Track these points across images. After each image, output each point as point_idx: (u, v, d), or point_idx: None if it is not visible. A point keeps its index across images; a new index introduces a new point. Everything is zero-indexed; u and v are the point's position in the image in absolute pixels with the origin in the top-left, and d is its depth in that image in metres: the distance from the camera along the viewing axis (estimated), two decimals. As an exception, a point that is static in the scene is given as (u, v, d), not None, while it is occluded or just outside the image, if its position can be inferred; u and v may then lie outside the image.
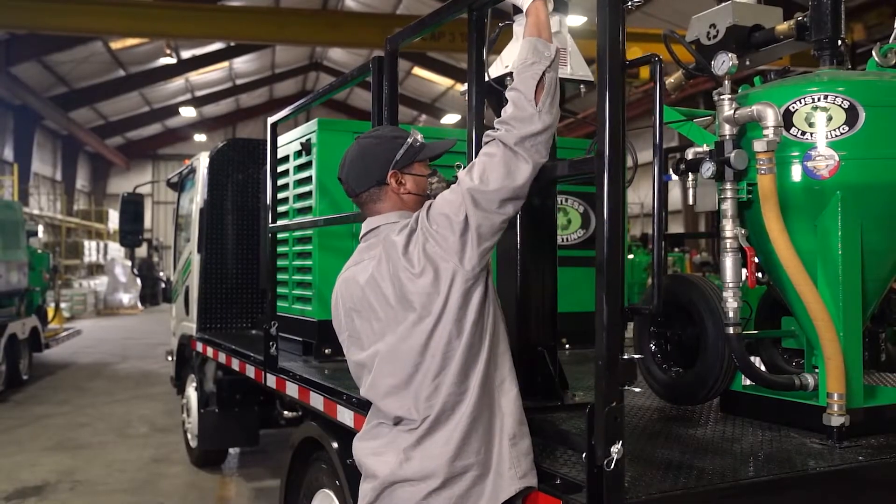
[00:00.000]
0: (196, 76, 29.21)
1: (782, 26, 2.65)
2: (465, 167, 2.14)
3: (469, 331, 2.07)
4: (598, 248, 1.86)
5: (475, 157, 2.16)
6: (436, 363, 2.08)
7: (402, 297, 2.11)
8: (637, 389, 1.86)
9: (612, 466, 1.69)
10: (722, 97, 2.54)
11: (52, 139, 30.47)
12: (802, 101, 2.48)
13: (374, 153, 2.30)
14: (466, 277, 2.05)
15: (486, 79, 2.91)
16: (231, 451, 7.02)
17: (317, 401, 3.34)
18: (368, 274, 2.18)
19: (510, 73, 2.86)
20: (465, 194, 2.03)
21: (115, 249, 28.24)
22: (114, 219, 29.39)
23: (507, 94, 2.09)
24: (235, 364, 4.86)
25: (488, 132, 2.11)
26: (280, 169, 4.52)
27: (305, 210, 4.37)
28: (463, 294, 2.06)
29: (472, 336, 2.08)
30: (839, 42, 2.58)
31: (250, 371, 4.47)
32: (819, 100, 2.46)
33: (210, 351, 5.67)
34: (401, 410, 2.12)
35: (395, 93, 2.93)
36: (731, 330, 2.54)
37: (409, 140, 2.29)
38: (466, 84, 3.05)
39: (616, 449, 1.68)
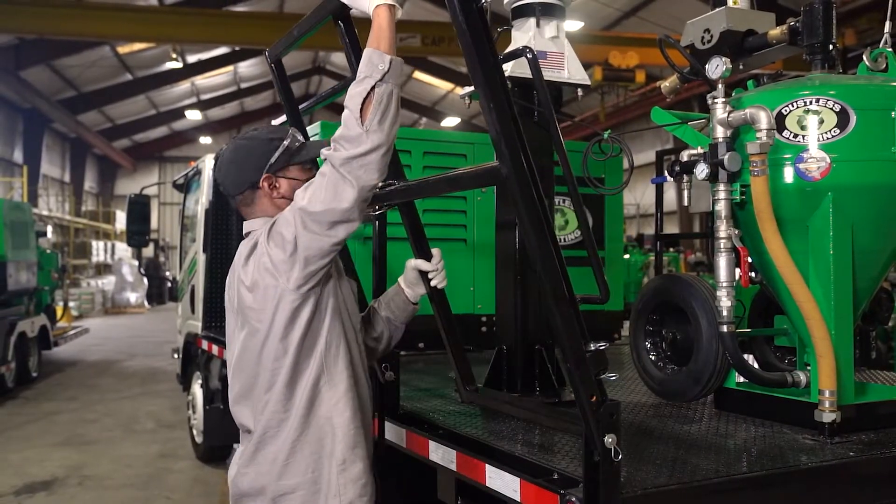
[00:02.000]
0: (201, 80, 29.20)
1: (775, 31, 2.65)
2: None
3: (295, 350, 2.01)
4: (529, 247, 1.80)
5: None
6: (266, 378, 2.05)
7: (241, 308, 2.09)
8: (613, 377, 1.82)
9: (605, 458, 1.69)
10: (716, 100, 2.54)
11: (60, 141, 30.46)
12: (795, 104, 2.48)
13: (248, 155, 2.18)
14: (293, 297, 1.98)
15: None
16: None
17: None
18: (229, 278, 2.17)
19: (509, 77, 2.87)
20: (296, 214, 1.95)
21: (123, 249, 28.25)
22: (121, 219, 29.41)
23: (343, 114, 1.92)
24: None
25: (323, 151, 1.97)
26: (284, 171, 4.51)
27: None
28: (290, 313, 1.99)
29: (297, 355, 2.02)
30: (830, 46, 2.58)
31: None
32: (811, 103, 2.46)
33: (215, 348, 5.66)
34: (244, 419, 2.14)
35: (291, 96, 2.90)
36: (724, 328, 2.54)
37: (286, 142, 2.17)
38: (466, 88, 3.06)
39: (609, 440, 1.68)
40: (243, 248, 2.12)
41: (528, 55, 2.20)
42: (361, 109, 1.87)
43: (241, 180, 2.17)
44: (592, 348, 1.76)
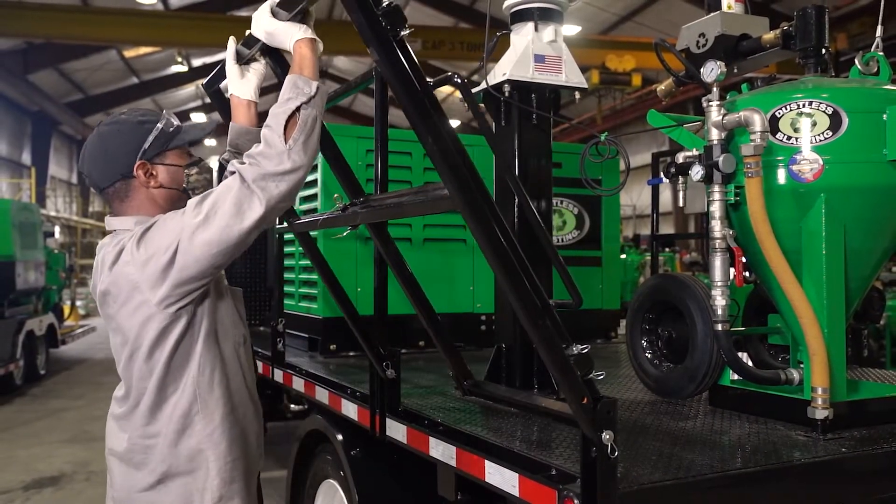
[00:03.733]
0: (206, 83, 29.20)
1: (769, 35, 2.65)
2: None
3: (160, 373, 1.85)
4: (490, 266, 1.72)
5: None
6: (133, 396, 1.91)
7: (106, 315, 1.92)
8: (600, 375, 1.80)
9: (602, 454, 1.69)
10: (711, 103, 2.54)
11: (68, 144, 30.47)
12: (788, 107, 2.48)
13: (117, 142, 1.94)
14: (161, 316, 1.80)
15: (485, 85, 2.92)
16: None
17: (322, 395, 3.34)
18: (93, 277, 1.97)
19: (507, 81, 2.87)
20: (185, 227, 1.75)
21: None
22: (127, 220, 29.31)
23: (262, 131, 1.78)
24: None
25: (233, 163, 1.80)
26: (287, 172, 4.51)
27: (311, 211, 4.37)
28: (157, 333, 1.82)
29: (162, 379, 1.86)
30: (823, 50, 2.58)
31: (258, 366, 4.46)
32: (804, 106, 2.46)
33: (220, 347, 5.66)
34: (115, 423, 2.00)
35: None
36: (719, 327, 2.54)
37: (160, 124, 1.96)
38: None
39: (606, 437, 1.68)
40: (108, 250, 1.88)
41: (456, 80, 2.14)
42: (285, 129, 1.74)
43: (111, 170, 1.94)
44: (575, 351, 1.72)
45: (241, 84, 2.05)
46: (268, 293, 6.14)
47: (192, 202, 1.80)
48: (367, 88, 3.11)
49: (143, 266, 1.78)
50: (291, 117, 1.75)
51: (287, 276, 4.61)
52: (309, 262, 4.42)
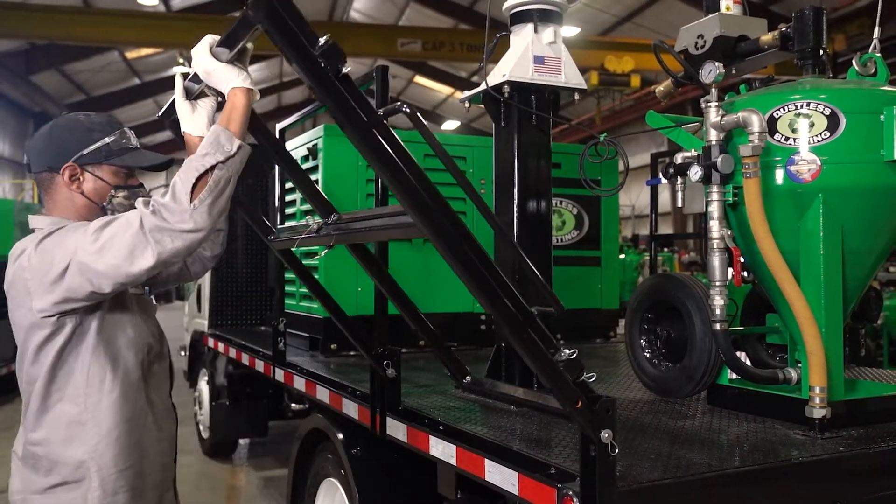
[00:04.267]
0: (208, 84, 29.22)
1: (767, 37, 2.65)
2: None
3: (44, 380, 1.84)
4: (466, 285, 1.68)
5: None
6: (24, 397, 1.92)
7: (9, 313, 1.91)
8: (592, 377, 1.79)
9: (601, 453, 1.69)
10: (709, 104, 2.54)
11: (70, 144, 30.48)
12: (786, 108, 2.48)
13: (62, 136, 1.94)
14: (42, 327, 1.80)
15: (485, 86, 2.92)
16: (241, 441, 7.01)
17: (323, 394, 3.34)
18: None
19: (507, 82, 2.87)
20: (80, 249, 1.73)
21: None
22: (129, 220, 29.33)
23: (173, 181, 1.73)
24: (245, 359, 4.86)
25: (139, 201, 1.75)
26: (288, 173, 4.51)
27: (312, 212, 4.37)
28: (40, 340, 1.82)
29: (46, 387, 1.85)
30: (821, 52, 2.58)
31: (259, 365, 4.47)
32: (802, 107, 2.46)
33: (221, 346, 5.67)
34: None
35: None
36: (717, 326, 2.54)
37: (109, 139, 1.95)
38: (465, 92, 3.05)
39: (605, 436, 1.68)
40: (18, 248, 1.89)
41: (405, 110, 2.08)
42: (195, 185, 1.68)
43: (43, 158, 1.94)
44: (564, 356, 1.71)
45: (192, 120, 1.94)
46: (269, 293, 6.14)
47: (95, 224, 1.77)
48: (367, 89, 3.11)
49: (35, 274, 1.78)
50: (205, 175, 1.69)
51: (288, 275, 4.61)
52: (310, 262, 4.43)
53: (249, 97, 1.79)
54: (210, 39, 1.82)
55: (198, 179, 1.68)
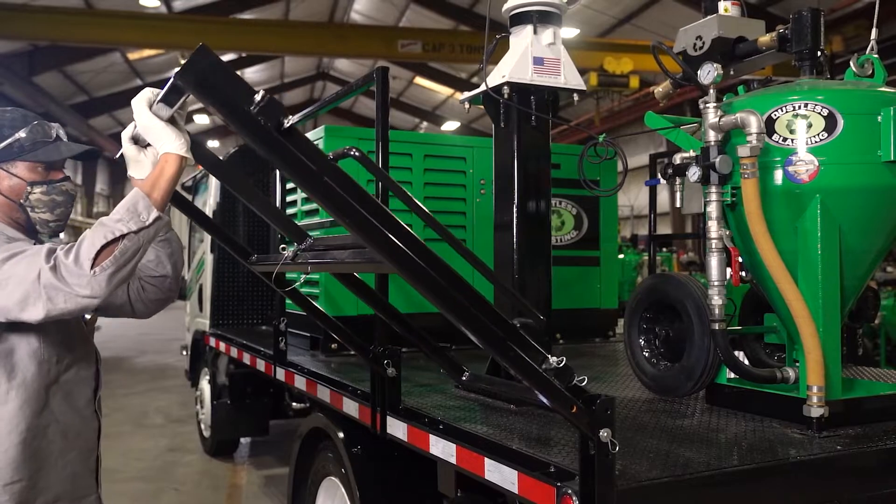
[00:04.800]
0: (209, 85, 29.21)
1: (765, 38, 2.65)
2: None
3: None
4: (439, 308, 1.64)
5: None
6: None
7: None
8: (582, 381, 1.78)
9: (601, 452, 1.69)
10: (707, 105, 2.54)
11: (72, 145, 30.48)
12: (784, 108, 2.48)
13: None
14: None
15: (485, 87, 2.92)
16: (242, 440, 7.01)
17: (324, 393, 3.34)
18: None
19: (507, 83, 2.87)
20: None
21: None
22: (131, 220, 29.33)
23: (83, 235, 1.67)
24: (247, 358, 4.86)
25: (46, 247, 1.69)
26: (289, 173, 4.51)
27: (312, 212, 4.37)
28: None
29: None
30: (818, 53, 2.58)
31: (261, 365, 4.47)
32: (799, 108, 2.46)
33: (223, 346, 5.67)
34: None
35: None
36: (716, 326, 2.54)
37: (22, 134, 1.88)
38: (465, 93, 3.05)
39: (604, 434, 1.68)
40: None
41: (354, 154, 2.05)
42: (101, 250, 1.63)
43: None
44: (553, 363, 1.70)
45: (137, 166, 1.85)
46: (270, 292, 6.14)
47: (2, 252, 1.71)
48: (367, 91, 3.12)
49: None
50: (114, 241, 1.64)
51: (290, 275, 4.61)
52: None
53: (181, 164, 1.73)
54: (149, 94, 1.75)
55: (105, 245, 1.63)
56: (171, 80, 1.61)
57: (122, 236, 1.65)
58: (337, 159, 1.94)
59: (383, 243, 1.58)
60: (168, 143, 1.73)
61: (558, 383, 1.69)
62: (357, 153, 2.04)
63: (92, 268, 1.62)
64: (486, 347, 1.67)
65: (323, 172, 1.57)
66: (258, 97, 1.49)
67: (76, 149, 1.95)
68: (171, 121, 1.74)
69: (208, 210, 6.60)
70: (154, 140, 1.75)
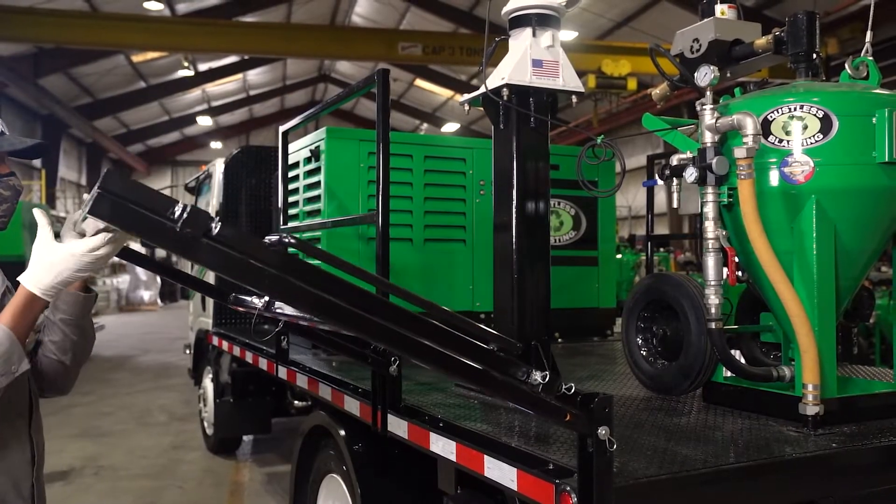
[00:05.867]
0: (212, 87, 29.20)
1: (761, 41, 2.65)
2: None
3: None
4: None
5: None
6: None
7: None
8: (570, 388, 1.76)
9: (599, 450, 1.69)
10: (704, 107, 2.54)
11: (77, 146, 30.46)
12: (780, 110, 2.48)
13: None
14: None
15: (484, 89, 2.92)
16: (245, 438, 7.01)
17: (325, 391, 3.34)
18: None
19: (506, 85, 2.87)
20: None
21: (137, 249, 28.20)
22: (135, 221, 29.32)
23: None
24: (249, 357, 4.86)
25: None
26: (291, 174, 4.52)
27: (314, 213, 4.36)
28: None
29: None
30: (814, 55, 2.58)
31: (263, 363, 4.46)
32: (795, 109, 2.46)
33: (225, 344, 5.67)
34: None
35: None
36: (712, 325, 2.54)
37: None
38: (465, 95, 3.05)
39: (602, 432, 1.68)
40: None
41: (289, 241, 1.98)
42: None
43: None
44: (538, 378, 1.68)
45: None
46: (272, 292, 6.13)
47: None
48: (368, 93, 3.12)
49: None
50: None
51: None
52: (313, 262, 4.43)
53: (35, 304, 1.60)
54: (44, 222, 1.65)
55: None
56: (85, 213, 1.51)
57: None
58: (284, 248, 1.82)
59: (344, 318, 1.57)
60: (32, 276, 1.60)
61: (546, 397, 1.68)
62: (293, 240, 1.96)
63: None
64: (468, 381, 1.65)
65: (268, 263, 1.52)
66: (178, 210, 1.40)
67: (18, 143, 1.82)
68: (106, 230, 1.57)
69: (211, 210, 6.60)
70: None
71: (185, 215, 1.41)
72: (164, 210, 1.41)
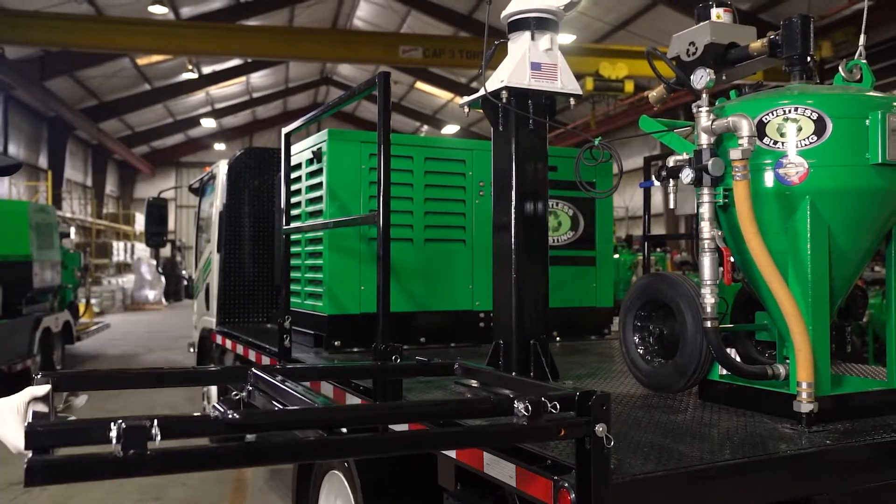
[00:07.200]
0: (216, 90, 29.21)
1: (756, 44, 2.65)
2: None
3: None
4: None
5: None
6: None
7: None
8: (555, 404, 1.75)
9: (596, 447, 1.69)
10: (700, 109, 2.54)
11: (83, 148, 30.47)
12: (774, 112, 2.48)
13: None
14: None
15: (484, 92, 2.92)
16: (248, 435, 7.00)
17: (327, 389, 3.34)
18: None
19: (505, 88, 2.87)
20: None
21: (142, 249, 28.23)
22: (140, 221, 29.41)
23: None
24: (252, 355, 4.86)
25: None
26: (293, 175, 4.52)
27: (317, 213, 4.37)
28: None
29: None
30: (808, 58, 2.58)
31: (266, 361, 4.46)
32: (790, 112, 2.46)
33: (229, 343, 5.66)
34: None
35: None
36: (708, 324, 2.54)
37: None
38: (465, 97, 3.05)
39: (600, 429, 1.68)
40: None
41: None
42: None
43: None
44: (522, 409, 1.67)
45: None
46: (275, 291, 6.14)
47: None
48: (369, 95, 3.12)
49: None
50: None
51: (294, 275, 4.61)
52: (314, 262, 4.44)
53: None
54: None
55: None
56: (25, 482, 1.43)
57: None
58: (226, 422, 1.66)
59: (317, 450, 1.68)
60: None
61: (536, 423, 1.68)
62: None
63: None
64: (458, 445, 1.65)
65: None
66: (113, 428, 1.36)
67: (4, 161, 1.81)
68: None
69: (215, 211, 6.60)
70: None
71: (124, 429, 1.35)
72: (101, 434, 1.36)
